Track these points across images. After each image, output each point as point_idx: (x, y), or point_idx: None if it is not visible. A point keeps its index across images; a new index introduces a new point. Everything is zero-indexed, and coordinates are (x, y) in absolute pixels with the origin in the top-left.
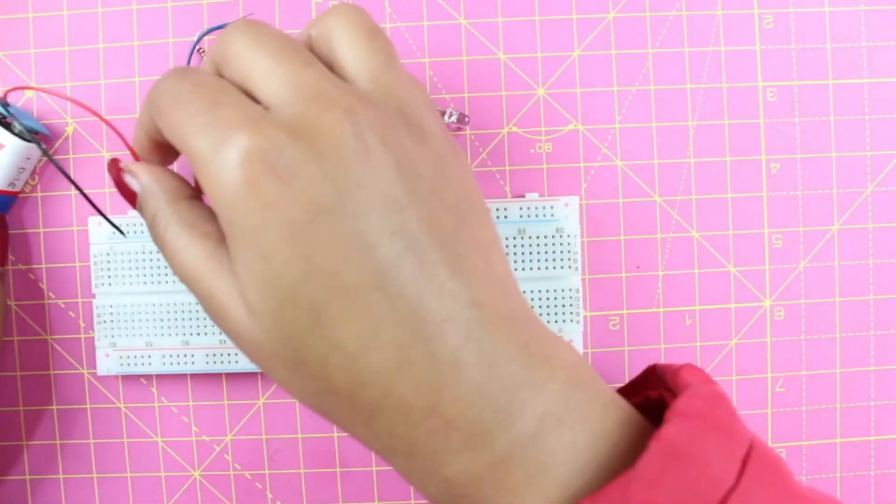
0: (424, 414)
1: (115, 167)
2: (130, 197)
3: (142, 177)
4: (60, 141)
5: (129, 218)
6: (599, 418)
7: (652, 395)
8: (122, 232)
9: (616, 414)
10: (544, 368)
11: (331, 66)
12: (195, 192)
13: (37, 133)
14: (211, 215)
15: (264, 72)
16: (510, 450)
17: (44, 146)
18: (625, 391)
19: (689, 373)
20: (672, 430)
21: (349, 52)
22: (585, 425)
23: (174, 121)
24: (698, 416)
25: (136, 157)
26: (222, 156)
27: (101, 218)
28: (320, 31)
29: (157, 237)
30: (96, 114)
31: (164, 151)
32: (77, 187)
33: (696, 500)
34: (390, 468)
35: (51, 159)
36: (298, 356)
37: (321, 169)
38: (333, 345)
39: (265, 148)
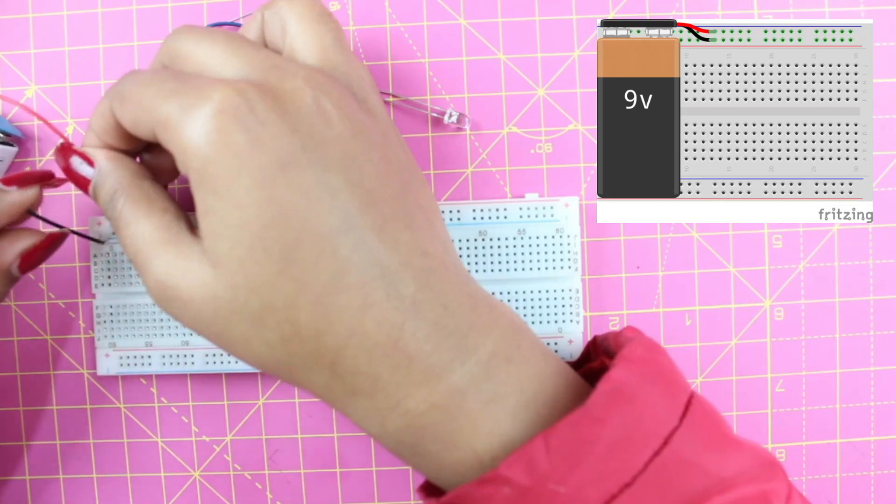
0: (387, 349)
1: (66, 152)
2: (80, 182)
3: (99, 159)
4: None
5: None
6: (541, 362)
7: (594, 365)
8: (98, 241)
9: (556, 362)
10: (489, 316)
11: (281, 48)
12: (152, 175)
13: (8, 134)
14: (169, 195)
15: (218, 59)
16: (467, 380)
17: (16, 147)
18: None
19: (631, 330)
20: (619, 372)
21: (300, 34)
22: (530, 365)
23: (140, 99)
24: (642, 360)
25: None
26: (195, 112)
27: (101, 217)
28: (273, 13)
29: (114, 213)
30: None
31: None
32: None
33: (642, 437)
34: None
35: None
36: (265, 302)
37: (287, 124)
38: (302, 285)
39: (236, 102)
